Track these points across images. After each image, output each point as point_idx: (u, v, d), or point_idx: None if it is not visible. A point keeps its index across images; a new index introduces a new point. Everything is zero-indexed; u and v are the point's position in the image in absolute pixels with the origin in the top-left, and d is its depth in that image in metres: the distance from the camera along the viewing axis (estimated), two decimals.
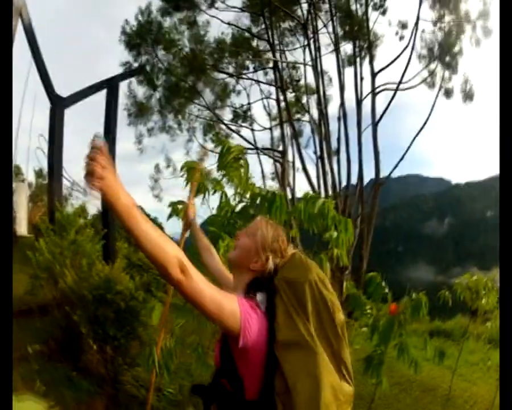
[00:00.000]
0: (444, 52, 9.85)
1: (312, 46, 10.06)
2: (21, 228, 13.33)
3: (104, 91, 10.01)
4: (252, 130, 11.93)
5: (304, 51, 10.68)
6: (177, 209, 3.14)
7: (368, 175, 10.11)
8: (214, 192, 3.13)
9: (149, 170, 12.25)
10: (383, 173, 10.08)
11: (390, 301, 3.40)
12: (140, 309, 3.82)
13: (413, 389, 4.85)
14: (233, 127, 11.92)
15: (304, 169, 9.90)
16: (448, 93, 10.46)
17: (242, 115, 11.96)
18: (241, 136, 11.61)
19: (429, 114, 10.48)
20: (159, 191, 12.24)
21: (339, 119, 10.24)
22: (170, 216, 3.16)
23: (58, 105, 8.99)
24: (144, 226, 0.94)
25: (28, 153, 15.64)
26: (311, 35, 10.06)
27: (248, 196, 3.12)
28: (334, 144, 10.40)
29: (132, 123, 11.22)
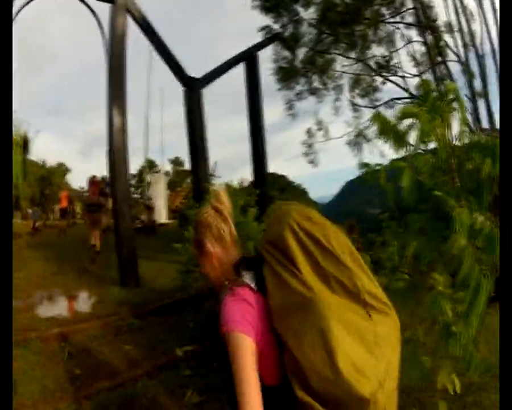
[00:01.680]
0: None
1: None
2: (162, 216, 14.18)
3: (237, 68, 9.63)
4: (403, 77, 10.57)
5: None
6: (371, 172, 2.56)
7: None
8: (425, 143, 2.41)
9: (300, 136, 11.37)
10: None
11: None
12: None
13: None
14: (380, 78, 10.94)
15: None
16: None
17: (387, 65, 10.75)
18: (396, 84, 10.49)
19: None
20: (313, 156, 11.14)
21: (482, 56, 9.13)
22: (365, 180, 2.58)
23: (193, 86, 8.79)
24: None
25: (162, 146, 17.07)
26: None
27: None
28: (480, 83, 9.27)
29: (283, 88, 10.71)
